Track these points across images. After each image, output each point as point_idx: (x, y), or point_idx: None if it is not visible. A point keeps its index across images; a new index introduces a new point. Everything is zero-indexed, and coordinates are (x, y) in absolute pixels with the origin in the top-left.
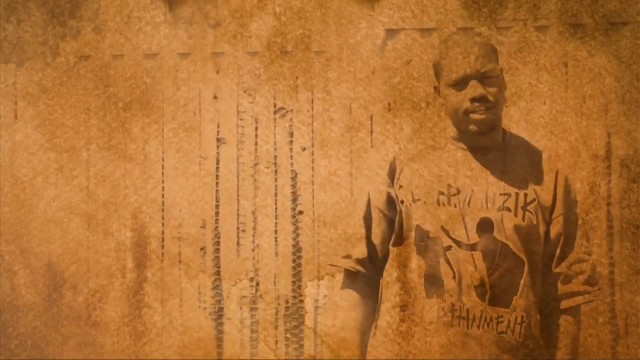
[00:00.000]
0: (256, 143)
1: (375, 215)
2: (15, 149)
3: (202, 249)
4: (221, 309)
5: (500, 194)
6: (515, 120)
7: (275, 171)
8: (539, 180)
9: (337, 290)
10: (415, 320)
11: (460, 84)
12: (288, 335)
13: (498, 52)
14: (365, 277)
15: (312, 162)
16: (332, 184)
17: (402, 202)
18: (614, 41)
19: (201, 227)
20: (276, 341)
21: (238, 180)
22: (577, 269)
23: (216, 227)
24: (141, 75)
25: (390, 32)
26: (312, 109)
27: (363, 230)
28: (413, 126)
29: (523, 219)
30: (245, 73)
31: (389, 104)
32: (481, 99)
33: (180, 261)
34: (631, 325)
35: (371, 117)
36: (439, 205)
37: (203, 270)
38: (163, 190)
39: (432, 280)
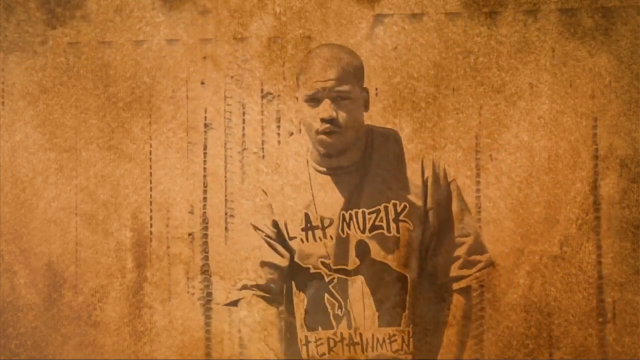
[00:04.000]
0: (243, 129)
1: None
2: (15, 149)
3: (190, 234)
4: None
5: (369, 213)
6: (516, 120)
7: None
8: (405, 182)
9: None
10: (416, 320)
11: (314, 100)
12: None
13: (364, 73)
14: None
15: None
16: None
17: (291, 238)
18: (614, 41)
19: (189, 212)
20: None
21: (226, 165)
22: (452, 253)
23: (204, 213)
24: (141, 75)
25: (387, 29)
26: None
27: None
28: (413, 126)
29: (398, 231)
30: (233, 60)
31: (376, 89)
32: (330, 121)
33: (180, 261)
34: (631, 325)
35: (370, 116)
36: (315, 241)
37: (205, 271)
38: (163, 190)
39: (316, 313)
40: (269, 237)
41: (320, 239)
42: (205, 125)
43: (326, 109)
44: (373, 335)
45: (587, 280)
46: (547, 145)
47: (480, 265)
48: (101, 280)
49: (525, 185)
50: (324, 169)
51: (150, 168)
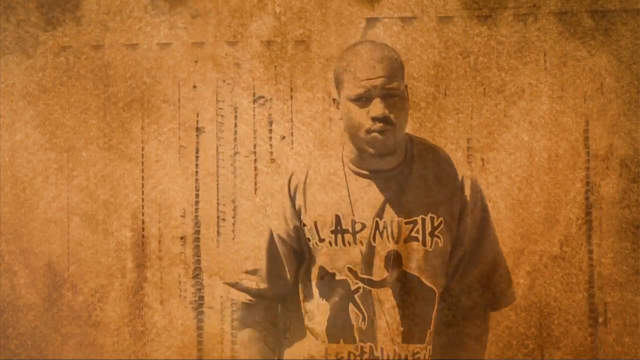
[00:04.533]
0: (235, 132)
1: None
2: (15, 149)
3: (182, 238)
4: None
5: (406, 223)
6: (516, 120)
7: (255, 160)
8: (445, 197)
9: None
10: (416, 320)
11: (362, 99)
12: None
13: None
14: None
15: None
16: (332, 183)
17: (308, 240)
18: (614, 41)
19: (181, 216)
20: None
21: (218, 169)
22: (475, 277)
23: (196, 216)
24: (141, 75)
25: (385, 29)
26: (312, 109)
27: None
28: (413, 126)
29: (432, 246)
30: (225, 63)
31: None
32: (383, 119)
33: (180, 261)
34: (631, 325)
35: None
36: (344, 245)
37: (197, 275)
38: (163, 190)
39: (338, 325)
40: (281, 248)
41: (350, 244)
42: (197, 129)
43: (378, 107)
44: (395, 351)
45: (587, 280)
46: (547, 145)
47: (505, 301)
48: (101, 280)
49: (525, 185)
50: (364, 172)
51: (151, 168)
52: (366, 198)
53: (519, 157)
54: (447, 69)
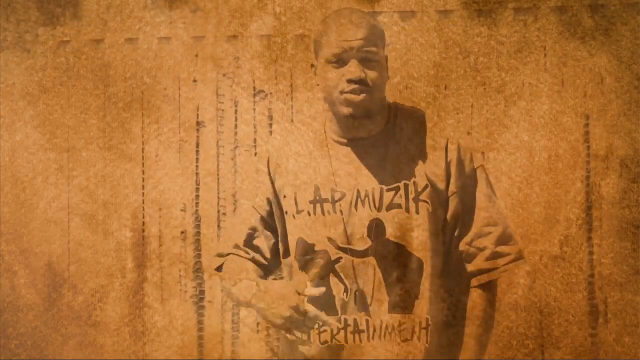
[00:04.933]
0: (236, 126)
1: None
2: (15, 149)
3: (182, 232)
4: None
5: (387, 190)
6: (516, 120)
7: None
8: (428, 162)
9: None
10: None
11: (339, 61)
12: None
13: (386, 40)
14: None
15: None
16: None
17: (285, 212)
18: (614, 41)
19: (181, 210)
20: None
21: (218, 163)
22: (479, 244)
23: (196, 211)
24: (141, 75)
25: (385, 28)
26: (312, 108)
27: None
28: (413, 126)
29: (417, 211)
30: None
31: None
32: (358, 82)
33: (180, 261)
34: (631, 325)
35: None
36: (323, 214)
37: (206, 269)
38: (163, 190)
39: (319, 296)
40: (256, 225)
41: (329, 213)
42: (197, 123)
43: (354, 69)
44: (382, 322)
45: (587, 280)
46: (546, 145)
47: (508, 258)
48: (101, 280)
49: (525, 185)
50: (344, 140)
51: (151, 168)
52: (346, 167)
53: (519, 157)
54: (447, 69)
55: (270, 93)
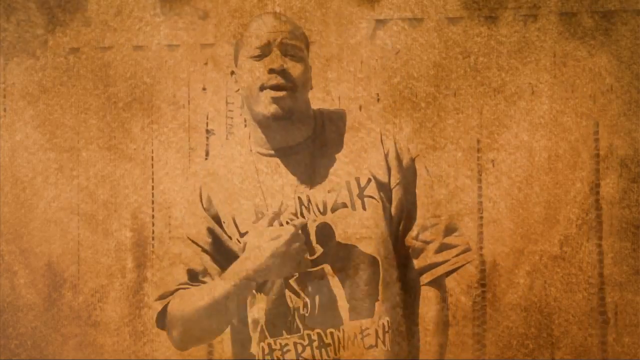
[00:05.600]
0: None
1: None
2: (15, 149)
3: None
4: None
5: (329, 191)
6: (516, 120)
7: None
8: (366, 157)
9: None
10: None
11: (261, 54)
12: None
13: (310, 47)
14: None
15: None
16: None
17: (230, 238)
18: (614, 41)
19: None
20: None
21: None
22: (426, 237)
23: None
24: (141, 75)
25: (386, 29)
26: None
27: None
28: (413, 126)
29: (364, 207)
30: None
31: (377, 95)
32: (280, 72)
33: (181, 261)
34: (631, 325)
35: (370, 116)
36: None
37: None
38: (163, 190)
39: (278, 316)
40: (204, 250)
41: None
42: (207, 130)
43: (276, 58)
44: (344, 332)
45: (587, 280)
46: (547, 145)
47: (458, 249)
48: (101, 280)
49: (525, 185)
50: (271, 152)
51: (151, 168)
52: (280, 179)
53: (519, 157)
54: (447, 69)
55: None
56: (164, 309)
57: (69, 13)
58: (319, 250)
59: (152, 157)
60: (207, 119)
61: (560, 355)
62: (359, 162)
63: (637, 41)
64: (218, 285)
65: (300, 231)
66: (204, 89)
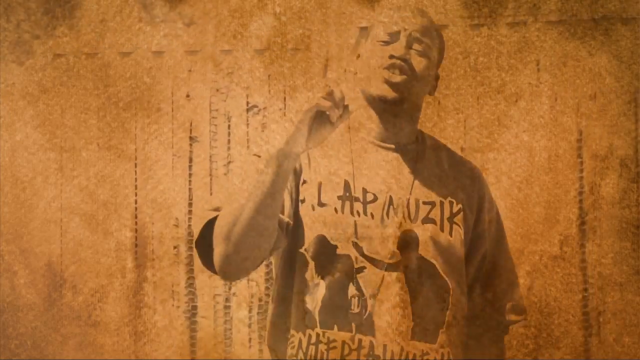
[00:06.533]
0: (229, 141)
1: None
2: (15, 149)
3: (175, 247)
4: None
5: (424, 203)
6: (516, 120)
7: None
8: (461, 184)
9: None
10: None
11: (389, 40)
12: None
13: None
14: None
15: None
16: (332, 183)
17: (302, 201)
18: (614, 41)
19: (174, 225)
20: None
21: (211, 178)
22: (503, 295)
23: (189, 226)
24: (141, 75)
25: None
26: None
27: None
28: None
29: (450, 234)
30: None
31: None
32: (402, 60)
33: (180, 261)
34: (631, 325)
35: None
36: (352, 215)
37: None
38: (163, 190)
39: (334, 308)
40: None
41: (359, 214)
42: (191, 138)
43: (400, 47)
44: (402, 349)
45: (587, 280)
46: (547, 145)
47: (524, 316)
48: (101, 280)
49: (525, 185)
50: (392, 146)
51: (151, 168)
52: (382, 170)
53: (519, 157)
54: (447, 69)
55: (264, 107)
56: (210, 222)
57: (67, 13)
58: (396, 256)
59: (152, 157)
60: (208, 118)
61: (560, 355)
62: (454, 184)
63: (637, 41)
64: (261, 175)
65: (337, 99)
66: (187, 95)
